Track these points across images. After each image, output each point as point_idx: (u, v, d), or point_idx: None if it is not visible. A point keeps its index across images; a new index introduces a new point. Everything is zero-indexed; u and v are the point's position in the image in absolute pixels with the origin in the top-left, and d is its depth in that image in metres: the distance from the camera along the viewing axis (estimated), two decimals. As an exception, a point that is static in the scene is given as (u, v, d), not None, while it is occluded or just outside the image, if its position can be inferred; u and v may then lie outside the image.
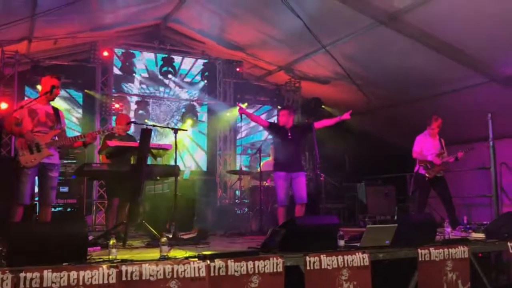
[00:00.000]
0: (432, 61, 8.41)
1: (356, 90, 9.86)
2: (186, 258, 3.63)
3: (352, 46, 8.79)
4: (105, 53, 10.00)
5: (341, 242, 4.24)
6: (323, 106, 11.81)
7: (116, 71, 10.63)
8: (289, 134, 6.50)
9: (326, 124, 6.67)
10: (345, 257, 4.00)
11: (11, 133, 5.10)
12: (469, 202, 9.89)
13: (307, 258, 3.87)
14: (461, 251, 4.56)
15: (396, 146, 10.41)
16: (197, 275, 3.44)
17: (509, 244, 4.93)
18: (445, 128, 7.32)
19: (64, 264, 3.25)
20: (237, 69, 11.41)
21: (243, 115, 6.38)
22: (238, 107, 6.92)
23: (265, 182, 8.35)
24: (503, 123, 7.82)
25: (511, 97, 8.45)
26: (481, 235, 5.50)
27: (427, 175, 7.04)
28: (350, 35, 8.43)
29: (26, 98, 8.51)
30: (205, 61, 11.46)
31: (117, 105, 10.27)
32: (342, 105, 10.22)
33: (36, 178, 5.18)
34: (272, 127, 6.81)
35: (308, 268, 3.86)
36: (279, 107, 10.78)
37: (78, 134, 5.89)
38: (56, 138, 5.25)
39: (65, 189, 8.28)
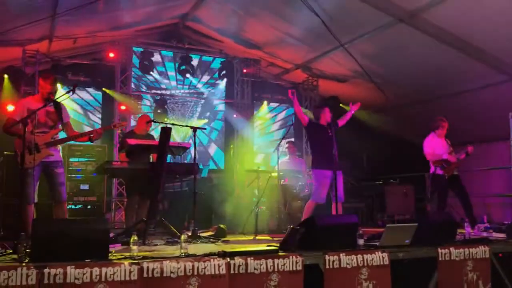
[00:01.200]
0: (452, 59, 8.32)
1: (375, 89, 9.80)
2: (206, 255, 3.65)
3: (370, 44, 8.74)
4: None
5: (361, 241, 4.24)
6: (341, 105, 11.75)
7: (135, 69, 10.73)
8: (329, 131, 6.47)
9: (344, 122, 6.69)
10: (365, 256, 3.99)
11: (10, 135, 5.13)
12: (489, 201, 9.76)
13: (327, 257, 3.87)
14: (481, 251, 4.51)
15: (415, 145, 10.29)
16: (217, 272, 3.46)
17: (530, 244, 4.87)
18: (465, 127, 7.25)
19: (86, 260, 3.30)
20: (254, 68, 11.40)
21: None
22: (290, 91, 6.68)
23: (282, 180, 8.35)
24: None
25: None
26: (502, 235, 5.44)
27: (445, 174, 6.98)
28: (369, 33, 8.37)
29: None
30: (223, 59, 11.51)
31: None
32: (361, 103, 10.17)
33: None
34: (312, 124, 6.75)
35: (327, 266, 3.86)
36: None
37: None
38: (57, 137, 5.31)
39: (85, 187, 8.39)
